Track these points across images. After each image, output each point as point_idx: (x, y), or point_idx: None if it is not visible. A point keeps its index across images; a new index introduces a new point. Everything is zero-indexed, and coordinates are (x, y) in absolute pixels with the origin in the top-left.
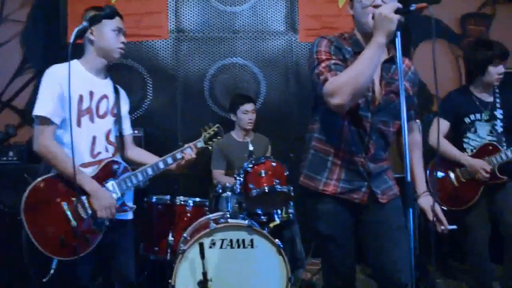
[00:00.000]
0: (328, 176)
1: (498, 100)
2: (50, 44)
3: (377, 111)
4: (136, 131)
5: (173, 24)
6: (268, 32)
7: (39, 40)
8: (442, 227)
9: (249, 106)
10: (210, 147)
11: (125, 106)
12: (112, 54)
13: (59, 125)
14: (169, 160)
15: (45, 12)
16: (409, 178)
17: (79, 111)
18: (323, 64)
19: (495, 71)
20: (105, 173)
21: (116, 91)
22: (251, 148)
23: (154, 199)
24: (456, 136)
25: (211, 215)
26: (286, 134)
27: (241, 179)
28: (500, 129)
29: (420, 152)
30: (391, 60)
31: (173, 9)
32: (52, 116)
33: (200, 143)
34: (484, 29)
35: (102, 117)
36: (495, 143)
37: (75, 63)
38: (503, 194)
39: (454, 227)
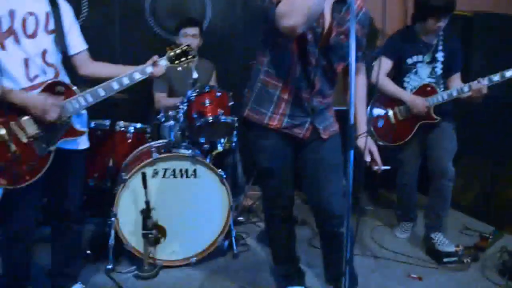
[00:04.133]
0: (274, 110)
1: (441, 43)
2: None
3: (325, 49)
4: None
5: None
6: None
7: None
8: (376, 167)
9: (190, 30)
10: (179, 68)
11: (67, 19)
12: None
13: None
14: (136, 75)
15: None
16: (352, 121)
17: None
18: None
19: (434, 24)
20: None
21: (54, 4)
22: (195, 75)
23: (92, 124)
24: (398, 76)
25: (153, 143)
26: (231, 59)
27: (185, 107)
28: (439, 71)
29: (364, 93)
30: (342, 1)
31: None
32: None
33: (163, 61)
34: None
35: (31, 36)
36: (433, 84)
37: None
38: (435, 133)
39: (388, 167)
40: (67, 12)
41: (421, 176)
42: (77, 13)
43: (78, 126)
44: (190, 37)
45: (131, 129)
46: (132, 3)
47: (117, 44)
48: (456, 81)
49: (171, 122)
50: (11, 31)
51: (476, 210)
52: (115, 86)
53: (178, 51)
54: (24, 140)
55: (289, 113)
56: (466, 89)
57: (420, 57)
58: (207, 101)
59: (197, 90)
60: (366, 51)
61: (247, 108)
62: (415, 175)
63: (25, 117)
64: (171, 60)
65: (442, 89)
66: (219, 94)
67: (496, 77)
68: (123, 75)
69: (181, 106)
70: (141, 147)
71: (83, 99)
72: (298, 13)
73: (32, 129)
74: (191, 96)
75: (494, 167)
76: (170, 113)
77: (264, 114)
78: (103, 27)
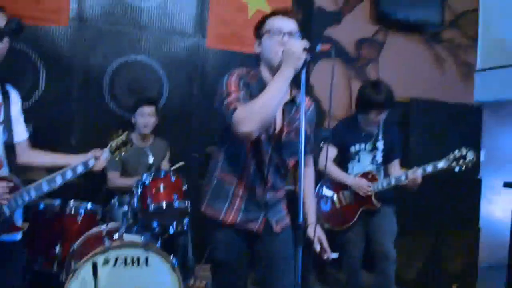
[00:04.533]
0: (229, 206)
1: (381, 132)
2: None
3: (277, 147)
4: None
5: (75, 11)
6: (176, 33)
7: None
8: (326, 256)
9: (147, 109)
10: (116, 158)
11: (15, 109)
12: None
13: None
14: (80, 168)
15: None
16: (301, 218)
17: None
18: (233, 95)
19: (376, 116)
20: None
21: (6, 96)
22: (151, 160)
23: (42, 205)
24: (342, 162)
25: (104, 227)
26: (186, 137)
27: (139, 192)
28: (379, 159)
29: (312, 184)
30: (292, 101)
31: None
32: None
33: (105, 153)
34: (376, 53)
35: None
36: (374, 172)
37: None
38: (377, 218)
39: (336, 255)
40: (16, 102)
41: (366, 255)
42: (35, 87)
43: (19, 222)
44: (147, 116)
45: (82, 211)
46: (91, 79)
47: (74, 120)
48: (395, 168)
49: (124, 206)
50: None
51: (420, 285)
52: (59, 180)
53: (119, 141)
54: None
55: (244, 208)
56: (403, 177)
57: (362, 146)
58: (161, 187)
59: (152, 174)
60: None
61: (204, 204)
62: (359, 257)
63: None
64: (113, 151)
65: (382, 176)
66: (173, 179)
67: (429, 168)
68: (67, 169)
69: (135, 191)
70: (91, 231)
71: (26, 194)
72: (254, 121)
73: None
74: (146, 181)
75: (435, 242)
76: (123, 197)
77: (220, 210)
78: (61, 102)
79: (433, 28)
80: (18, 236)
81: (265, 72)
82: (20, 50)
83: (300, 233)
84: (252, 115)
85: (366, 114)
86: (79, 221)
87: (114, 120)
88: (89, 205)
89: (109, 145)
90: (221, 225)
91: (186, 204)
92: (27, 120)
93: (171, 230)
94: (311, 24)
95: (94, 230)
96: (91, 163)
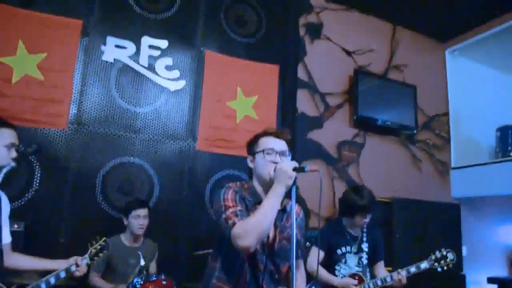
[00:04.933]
0: None
1: (365, 235)
2: None
3: (271, 255)
4: (16, 226)
5: (73, 115)
6: (168, 136)
7: None
8: None
9: (141, 211)
10: (94, 263)
11: (5, 213)
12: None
13: None
14: (62, 274)
15: None
16: None
17: None
18: (230, 210)
19: (361, 220)
20: None
21: None
22: (142, 262)
23: None
24: (329, 264)
25: None
26: (175, 238)
27: None
28: (365, 261)
29: (304, 284)
30: (283, 210)
31: (76, 100)
32: None
33: (85, 260)
34: (356, 155)
35: None
36: (360, 273)
37: None
38: None
39: None
40: (5, 207)
41: None
42: (29, 185)
43: None
44: (142, 218)
45: None
46: (84, 180)
47: (65, 218)
48: (380, 268)
49: None
50: None
51: None
52: (43, 286)
53: (97, 248)
54: None
55: None
56: (388, 279)
57: (348, 248)
58: None
59: (143, 277)
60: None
61: None
62: None
63: None
64: (92, 258)
65: (368, 277)
66: (164, 282)
67: (413, 269)
68: (50, 276)
69: None
70: None
71: None
72: (252, 236)
73: None
74: (137, 284)
75: None
76: None
77: None
78: (53, 200)
79: (408, 130)
80: None
81: (257, 185)
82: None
83: None
84: (250, 230)
85: (351, 218)
86: None
87: (105, 220)
88: None
89: (88, 251)
90: None
91: None
92: (19, 219)
93: None
94: (295, 128)
95: None
96: (72, 268)
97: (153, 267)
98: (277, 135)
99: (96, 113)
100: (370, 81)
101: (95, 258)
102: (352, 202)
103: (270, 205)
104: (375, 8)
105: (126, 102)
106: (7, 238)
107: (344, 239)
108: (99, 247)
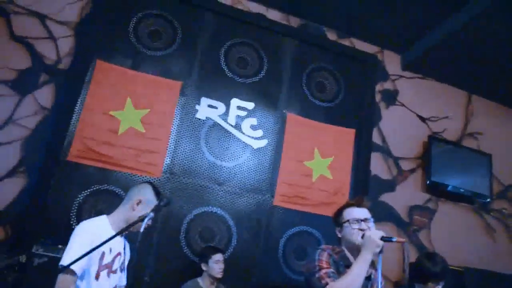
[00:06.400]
0: None
1: None
2: (49, 156)
3: None
4: None
5: (167, 166)
6: (248, 190)
7: (40, 150)
8: None
9: (220, 256)
10: None
11: (127, 260)
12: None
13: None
14: None
15: (55, 124)
16: None
17: (99, 266)
18: (323, 271)
19: (433, 287)
20: None
21: (125, 246)
22: None
23: None
24: None
25: None
26: (247, 284)
27: None
28: None
29: None
30: (368, 278)
31: (171, 152)
32: (78, 270)
33: None
34: (427, 220)
35: (114, 272)
36: None
37: (103, 220)
38: None
39: None
40: (128, 251)
41: None
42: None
43: None
44: (221, 262)
45: None
46: (171, 223)
47: (150, 260)
48: None
49: None
50: (107, 265)
51: None
52: None
53: None
54: None
55: None
56: None
57: None
58: None
59: None
60: None
61: None
62: None
63: None
64: None
65: None
66: None
67: None
68: None
69: None
70: None
71: None
72: None
73: None
74: None
75: None
76: None
77: None
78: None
79: (482, 198)
80: None
81: (346, 251)
82: (116, 192)
83: None
84: None
85: (424, 285)
86: None
87: (185, 263)
88: None
89: None
90: None
91: None
92: None
93: None
94: (368, 190)
95: None
96: None
97: None
98: (358, 204)
99: (186, 164)
100: (444, 148)
101: None
102: (425, 269)
103: (359, 269)
104: (450, 76)
105: (213, 156)
106: (123, 281)
107: None
108: None
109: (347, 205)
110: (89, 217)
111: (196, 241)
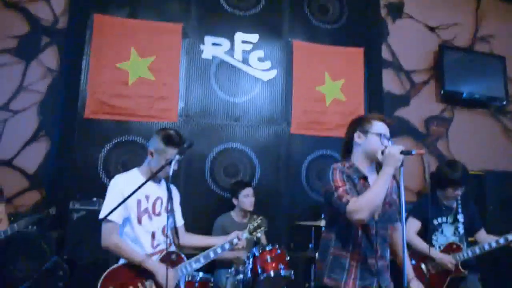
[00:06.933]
0: (347, 276)
1: (459, 206)
2: (66, 116)
3: (379, 220)
4: None
5: (181, 109)
6: (265, 122)
7: (56, 111)
8: None
9: (249, 190)
10: (255, 238)
11: (176, 201)
12: None
13: (122, 223)
14: (227, 246)
15: (65, 85)
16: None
17: (138, 212)
18: (341, 189)
19: (453, 192)
20: (164, 262)
21: (169, 190)
22: (259, 235)
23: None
24: (426, 234)
25: None
26: (275, 217)
27: (251, 263)
28: (462, 231)
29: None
30: None
31: (183, 95)
32: (116, 219)
33: (245, 234)
34: (444, 129)
35: (158, 215)
36: (458, 242)
37: (135, 172)
38: (464, 284)
39: None
40: (176, 196)
41: None
42: None
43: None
44: (251, 196)
45: (197, 278)
46: (194, 165)
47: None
48: (483, 235)
49: (240, 276)
50: (146, 211)
51: None
52: (212, 255)
53: (255, 224)
54: None
55: (359, 276)
56: (501, 241)
57: (444, 219)
58: (269, 258)
59: (261, 247)
60: None
61: (324, 277)
62: None
63: (149, 281)
64: (251, 233)
65: (466, 246)
66: (279, 251)
67: None
68: (217, 246)
69: (247, 262)
70: None
71: (189, 266)
72: (366, 211)
73: None
74: (256, 253)
75: None
76: (240, 268)
77: (340, 280)
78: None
79: (498, 102)
80: None
81: (358, 163)
82: (139, 142)
83: None
84: (364, 206)
85: (445, 191)
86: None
87: (214, 199)
88: (201, 274)
89: (247, 227)
90: None
91: (290, 273)
92: None
93: None
94: (382, 107)
95: None
96: (235, 241)
97: (263, 238)
98: (388, 123)
99: (200, 105)
100: (456, 55)
101: (253, 233)
102: (445, 176)
103: (382, 183)
104: None
105: (225, 94)
106: (180, 221)
107: (440, 210)
108: (256, 224)
109: (378, 118)
110: (115, 168)
111: (221, 178)
